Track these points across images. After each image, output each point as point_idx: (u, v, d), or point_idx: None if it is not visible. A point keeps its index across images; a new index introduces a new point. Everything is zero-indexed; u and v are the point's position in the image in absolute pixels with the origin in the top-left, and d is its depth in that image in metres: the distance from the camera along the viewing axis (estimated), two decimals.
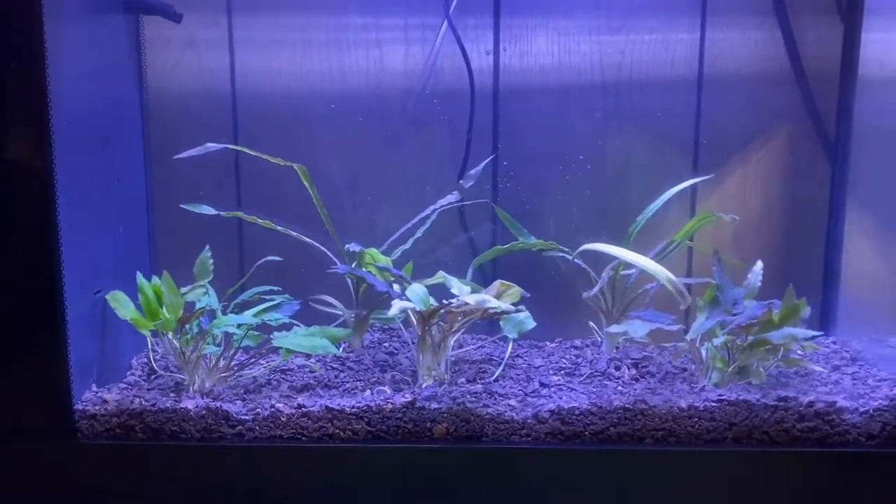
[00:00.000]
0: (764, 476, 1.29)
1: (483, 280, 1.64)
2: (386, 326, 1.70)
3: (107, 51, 1.53)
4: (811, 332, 1.36)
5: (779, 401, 1.31)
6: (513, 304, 1.40)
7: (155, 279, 1.43)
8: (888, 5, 1.57)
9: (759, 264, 1.47)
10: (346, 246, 1.51)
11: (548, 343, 1.69)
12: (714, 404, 1.31)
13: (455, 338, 1.49)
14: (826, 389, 1.39)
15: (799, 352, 1.46)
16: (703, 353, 1.43)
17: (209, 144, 1.44)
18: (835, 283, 1.67)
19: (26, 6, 1.21)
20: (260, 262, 1.56)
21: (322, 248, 1.58)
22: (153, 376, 1.49)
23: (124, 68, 1.62)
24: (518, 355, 1.60)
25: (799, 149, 1.72)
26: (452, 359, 1.52)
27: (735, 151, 1.75)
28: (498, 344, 1.66)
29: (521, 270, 1.67)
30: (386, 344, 1.63)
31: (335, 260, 1.58)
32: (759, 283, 1.44)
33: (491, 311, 1.37)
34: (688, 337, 1.41)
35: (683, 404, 1.32)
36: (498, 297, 1.41)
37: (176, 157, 1.43)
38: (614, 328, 1.44)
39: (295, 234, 1.56)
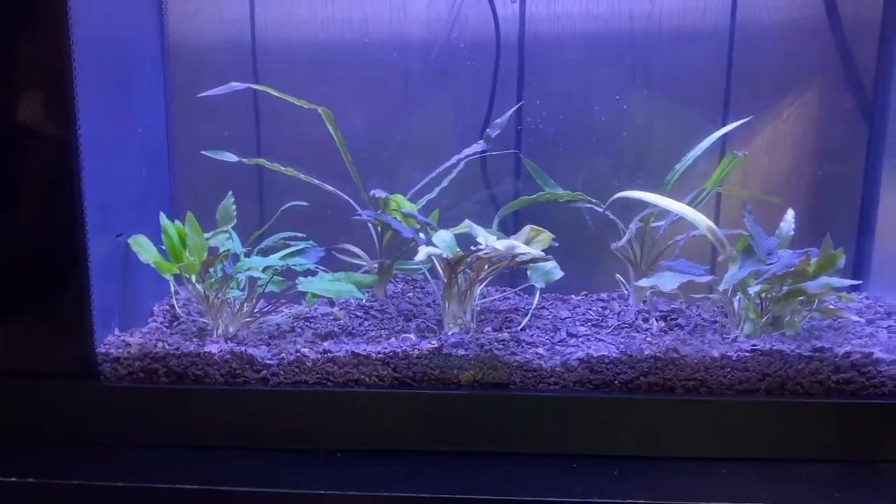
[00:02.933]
0: (795, 427, 1.27)
1: (506, 233, 1.61)
2: (409, 277, 1.68)
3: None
4: (848, 282, 1.32)
5: (814, 351, 1.28)
6: (542, 251, 1.37)
7: (177, 223, 1.40)
8: None
9: (791, 212, 1.44)
10: (371, 192, 1.48)
11: (573, 296, 1.66)
12: (747, 354, 1.29)
13: (481, 287, 1.46)
14: (861, 342, 1.36)
15: (833, 303, 1.42)
16: (735, 304, 1.40)
17: (233, 83, 1.41)
18: (869, 236, 1.63)
19: None
20: (285, 206, 1.54)
21: (344, 196, 1.55)
22: (175, 322, 1.47)
23: (146, 15, 1.59)
24: (543, 307, 1.57)
25: (834, 99, 1.67)
26: (477, 308, 1.49)
27: (769, 101, 1.70)
28: (522, 296, 1.64)
29: (543, 223, 1.64)
30: (410, 294, 1.61)
31: (357, 208, 1.55)
32: (792, 232, 1.41)
33: (520, 258, 1.35)
34: (720, 287, 1.38)
35: (716, 354, 1.29)
36: (528, 242, 1.38)
37: (199, 95, 1.40)
38: (644, 281, 1.41)
39: (317, 181, 1.53)
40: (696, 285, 1.41)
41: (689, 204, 1.50)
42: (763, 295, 1.36)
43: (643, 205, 1.49)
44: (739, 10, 1.66)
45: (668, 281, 1.35)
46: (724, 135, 1.64)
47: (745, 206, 1.42)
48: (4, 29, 1.23)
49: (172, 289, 1.49)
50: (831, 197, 1.69)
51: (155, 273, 1.41)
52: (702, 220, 1.34)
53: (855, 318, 1.41)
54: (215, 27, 1.70)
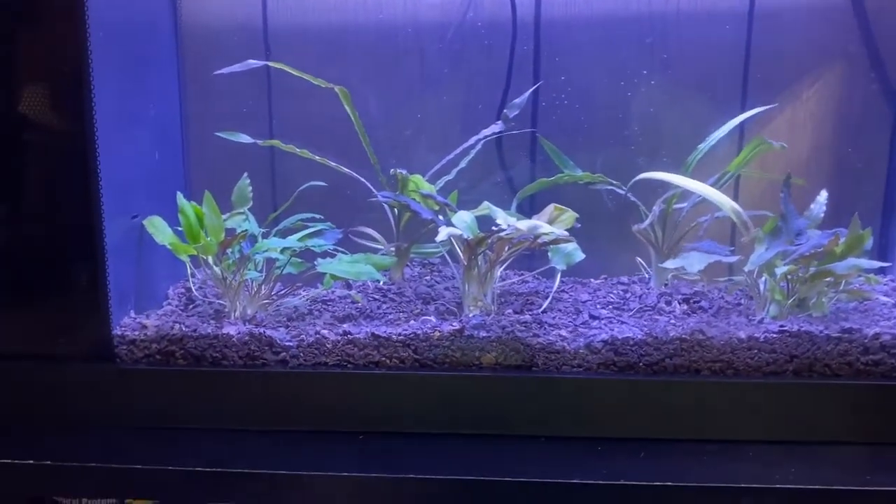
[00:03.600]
0: (823, 409, 1.25)
1: (524, 216, 1.59)
2: (426, 261, 1.66)
3: None
4: (878, 263, 1.30)
5: (843, 332, 1.26)
6: (566, 231, 1.35)
7: (193, 203, 1.38)
8: None
9: (824, 193, 1.41)
10: (392, 170, 1.46)
11: (592, 280, 1.64)
12: (775, 335, 1.26)
13: (501, 269, 1.44)
14: (889, 324, 1.33)
15: (859, 285, 1.40)
16: (761, 285, 1.38)
17: (250, 61, 1.39)
18: (894, 217, 1.61)
19: None
20: (303, 187, 1.51)
21: (360, 178, 1.53)
22: (191, 305, 1.45)
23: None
24: (563, 290, 1.55)
25: (857, 79, 1.64)
26: (497, 291, 1.47)
27: (789, 83, 1.67)
28: (540, 279, 1.61)
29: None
30: (427, 278, 1.59)
31: (373, 189, 1.53)
32: (823, 214, 1.38)
33: (542, 238, 1.32)
34: (746, 269, 1.36)
35: (743, 335, 1.27)
36: (551, 222, 1.36)
37: (216, 72, 1.38)
38: (670, 263, 1.38)
39: (334, 164, 1.51)
40: (718, 269, 1.39)
41: (713, 185, 1.47)
42: (789, 276, 1.33)
43: (663, 187, 1.47)
44: None
45: (695, 261, 1.32)
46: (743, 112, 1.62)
47: (786, 181, 1.39)
48: (21, 10, 1.21)
49: (188, 271, 1.47)
50: (855, 178, 1.66)
51: (170, 255, 1.39)
52: (726, 202, 1.32)
53: (884, 299, 1.38)
54: (227, 9, 1.68)
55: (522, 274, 1.64)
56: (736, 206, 1.28)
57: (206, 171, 1.67)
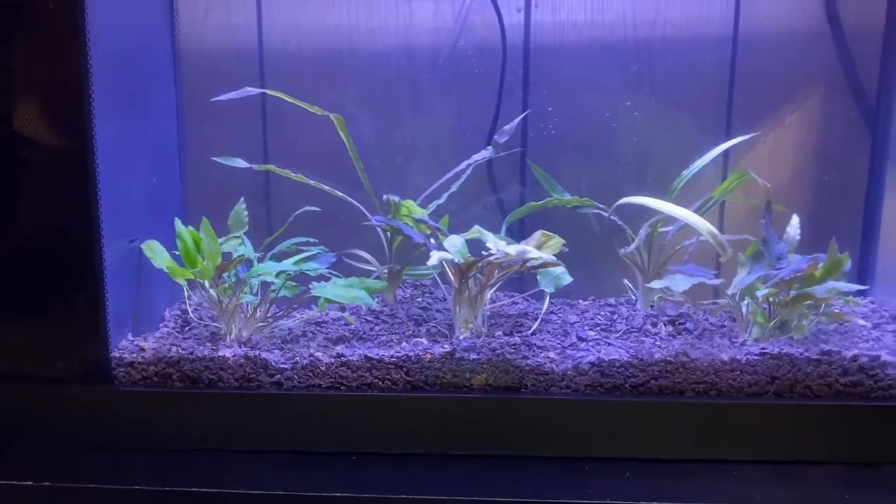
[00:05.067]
0: (806, 430, 1.28)
1: (514, 238, 1.63)
2: (418, 282, 1.69)
3: (141, 3, 1.52)
4: (855, 286, 1.34)
5: (822, 354, 1.30)
6: (553, 256, 1.38)
7: (190, 227, 1.41)
8: None
9: (796, 218, 1.46)
10: (385, 196, 1.49)
11: (581, 301, 1.68)
12: (756, 357, 1.30)
13: (492, 291, 1.47)
14: (868, 346, 1.38)
15: (839, 307, 1.44)
16: (744, 308, 1.42)
17: (247, 88, 1.42)
18: (873, 241, 1.65)
19: None
20: (298, 212, 1.55)
21: (354, 201, 1.56)
22: (187, 327, 1.48)
23: (158, 22, 1.60)
24: (552, 312, 1.58)
25: (837, 105, 1.69)
26: (487, 313, 1.50)
27: (771, 110, 1.72)
28: (530, 301, 1.65)
29: (549, 229, 1.65)
30: (419, 299, 1.62)
31: (367, 214, 1.56)
32: (798, 237, 1.43)
33: (531, 263, 1.36)
34: (729, 291, 1.40)
35: (725, 357, 1.31)
36: (538, 247, 1.40)
37: (213, 99, 1.41)
38: (656, 283, 1.42)
39: (328, 187, 1.54)
40: (702, 291, 1.42)
41: (696, 211, 1.52)
42: (771, 299, 1.37)
43: (650, 211, 1.51)
44: (742, 19, 1.68)
45: (679, 282, 1.36)
46: (727, 138, 1.67)
47: (766, 207, 1.43)
48: (22, 35, 1.24)
49: (185, 293, 1.50)
50: (835, 202, 1.71)
51: (166, 278, 1.42)
52: (703, 225, 1.36)
53: (861, 322, 1.42)
54: (224, 32, 1.71)
55: (513, 295, 1.68)
56: (713, 229, 1.32)
57: (203, 194, 1.70)
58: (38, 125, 1.26)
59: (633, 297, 1.64)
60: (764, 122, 1.72)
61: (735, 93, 1.71)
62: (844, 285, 1.34)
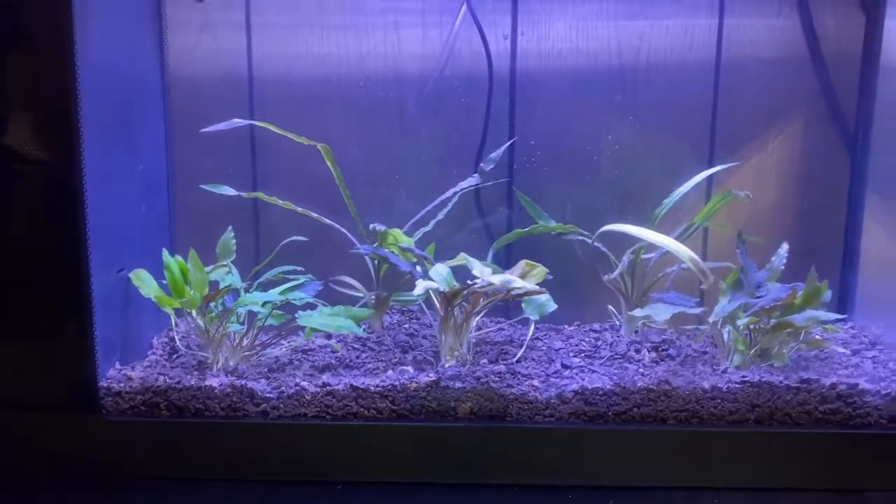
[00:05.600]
0: (784, 457, 1.30)
1: (500, 264, 1.64)
2: (405, 308, 1.70)
3: (131, 32, 1.53)
4: (834, 315, 1.36)
5: (801, 382, 1.32)
6: (537, 284, 1.40)
7: (178, 257, 1.43)
8: None
9: (785, 246, 1.48)
10: (371, 225, 1.51)
11: (566, 326, 1.69)
12: (737, 385, 1.32)
13: (477, 319, 1.49)
14: (847, 372, 1.40)
15: (819, 335, 1.46)
16: (725, 335, 1.44)
17: (235, 120, 1.44)
18: (853, 268, 1.68)
19: None
20: (284, 241, 1.56)
21: (342, 229, 1.58)
22: (175, 355, 1.49)
23: (147, 50, 1.62)
24: (537, 338, 1.60)
25: (818, 133, 1.72)
26: (473, 340, 1.52)
27: (753, 136, 1.75)
28: (516, 327, 1.66)
29: (536, 255, 1.67)
30: (406, 325, 1.64)
31: (354, 241, 1.58)
32: (783, 266, 1.45)
33: (515, 291, 1.38)
34: (710, 319, 1.42)
35: (706, 385, 1.33)
36: (523, 276, 1.42)
37: (202, 130, 1.43)
38: (637, 312, 1.44)
39: (315, 215, 1.56)
40: (686, 316, 1.44)
41: (679, 237, 1.54)
42: (752, 327, 1.39)
43: (634, 237, 1.53)
44: (724, 47, 1.71)
45: (661, 311, 1.38)
46: (711, 166, 1.69)
47: (738, 237, 1.46)
48: (10, 65, 1.25)
49: (173, 322, 1.51)
50: (816, 228, 1.73)
51: (154, 306, 1.43)
52: (684, 252, 1.38)
53: (840, 349, 1.44)
54: (213, 60, 1.73)
55: (500, 321, 1.69)
56: (694, 256, 1.35)
57: (191, 222, 1.71)
58: (27, 154, 1.27)
59: (618, 323, 1.65)
60: (746, 147, 1.75)
61: (718, 119, 1.74)
62: (823, 314, 1.36)
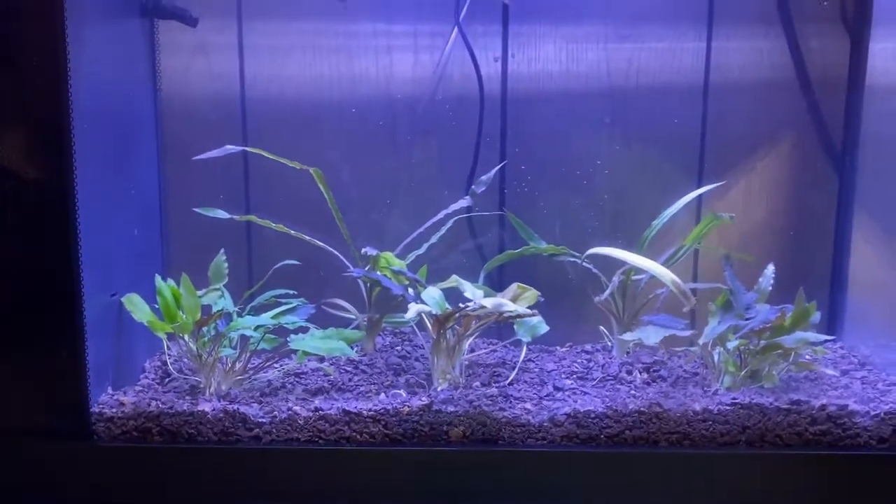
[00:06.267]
0: (777, 479, 1.31)
1: (492, 285, 1.65)
2: (397, 330, 1.71)
3: (124, 55, 1.54)
4: (823, 337, 1.38)
5: (791, 404, 1.33)
6: (528, 307, 1.41)
7: (170, 282, 1.43)
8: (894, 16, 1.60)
9: (771, 267, 1.50)
10: (363, 249, 1.52)
11: (558, 347, 1.70)
12: (728, 408, 1.33)
13: (469, 341, 1.49)
14: (836, 393, 1.41)
15: (808, 356, 1.47)
16: (716, 357, 1.45)
17: (228, 147, 1.45)
18: (842, 288, 1.69)
19: (50, 9, 1.21)
20: (277, 265, 1.56)
21: (334, 251, 1.59)
22: (167, 379, 1.49)
23: (140, 73, 1.63)
24: (529, 359, 1.61)
25: (805, 155, 1.74)
26: (466, 362, 1.53)
27: (741, 158, 1.76)
28: (509, 348, 1.67)
29: (528, 276, 1.68)
30: (398, 347, 1.64)
31: (347, 263, 1.59)
32: (771, 287, 1.46)
33: (507, 314, 1.38)
34: (700, 341, 1.43)
35: (697, 408, 1.33)
36: (514, 299, 1.43)
37: (195, 158, 1.44)
38: (628, 335, 1.46)
39: (308, 237, 1.57)
40: (677, 337, 1.45)
41: (668, 259, 1.55)
42: (742, 348, 1.40)
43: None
44: (713, 69, 1.73)
45: (651, 335, 1.39)
46: (699, 187, 1.71)
47: (725, 259, 1.47)
48: (3, 86, 1.25)
49: (165, 346, 1.51)
50: (804, 249, 1.75)
51: (146, 329, 1.43)
52: (667, 275, 1.39)
53: (830, 371, 1.46)
54: (205, 82, 1.74)
55: (494, 343, 1.70)
56: (676, 279, 1.36)
57: (184, 245, 1.71)
58: (20, 176, 1.27)
59: (609, 344, 1.66)
60: (735, 169, 1.77)
61: (707, 140, 1.75)
62: (812, 335, 1.38)
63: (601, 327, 1.68)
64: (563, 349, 1.69)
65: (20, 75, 1.24)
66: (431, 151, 1.76)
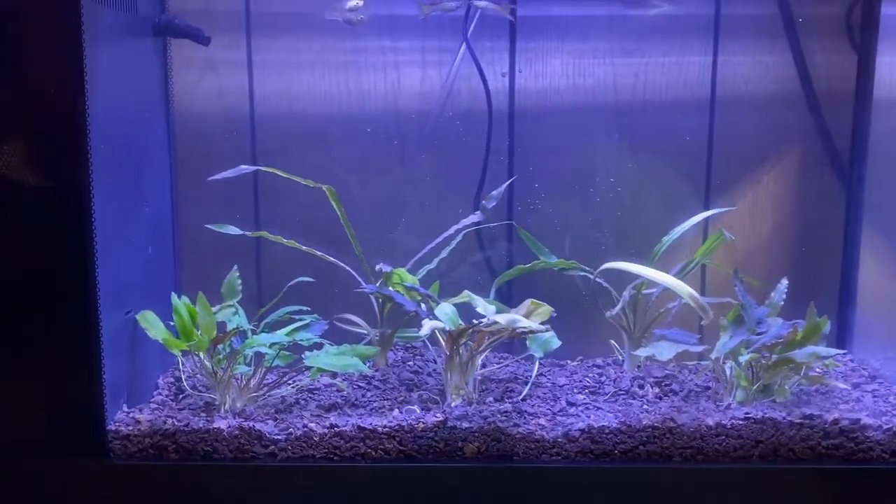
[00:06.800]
0: (789, 493, 1.32)
1: (501, 299, 1.66)
2: (409, 345, 1.72)
3: (139, 74, 1.55)
4: (834, 350, 1.39)
5: (804, 418, 1.33)
6: (541, 323, 1.42)
7: (185, 299, 1.44)
8: None
9: (784, 282, 1.51)
10: (377, 266, 1.53)
11: (569, 361, 1.71)
12: (741, 422, 1.34)
13: (482, 357, 1.50)
14: (848, 407, 1.41)
15: (819, 369, 1.48)
16: (728, 371, 1.45)
17: (242, 167, 1.46)
18: (851, 301, 1.70)
19: (68, 29, 1.23)
20: (292, 282, 1.57)
21: (347, 267, 1.59)
22: (181, 396, 1.50)
23: (154, 91, 1.64)
24: (541, 374, 1.61)
25: (813, 169, 1.75)
26: (478, 378, 1.53)
27: (749, 172, 1.78)
28: (520, 362, 1.68)
29: (538, 290, 1.69)
30: (410, 363, 1.65)
31: (359, 280, 1.59)
32: (783, 301, 1.47)
33: (520, 330, 1.39)
34: (713, 356, 1.43)
35: (711, 422, 1.34)
36: (528, 315, 1.43)
37: (209, 178, 1.45)
38: (642, 351, 1.47)
39: (320, 253, 1.58)
40: (688, 350, 1.46)
41: (678, 274, 1.56)
42: (754, 363, 1.41)
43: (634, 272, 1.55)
44: (719, 83, 1.75)
45: (664, 350, 1.40)
46: (707, 201, 1.72)
47: (735, 274, 1.48)
48: (23, 111, 1.26)
49: (180, 363, 1.52)
50: (814, 263, 1.76)
51: (159, 345, 1.43)
52: (683, 289, 1.40)
53: (842, 385, 1.46)
54: (215, 99, 1.75)
55: (506, 357, 1.70)
56: (693, 292, 1.37)
57: (196, 263, 1.72)
58: (36, 196, 1.28)
59: (621, 358, 1.67)
60: (742, 182, 1.78)
61: (714, 154, 1.76)
62: (824, 350, 1.39)
63: (612, 341, 1.69)
64: (574, 363, 1.70)
65: (39, 94, 1.25)
66: (440, 166, 1.77)
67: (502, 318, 1.36)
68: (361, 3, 1.53)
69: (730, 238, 1.53)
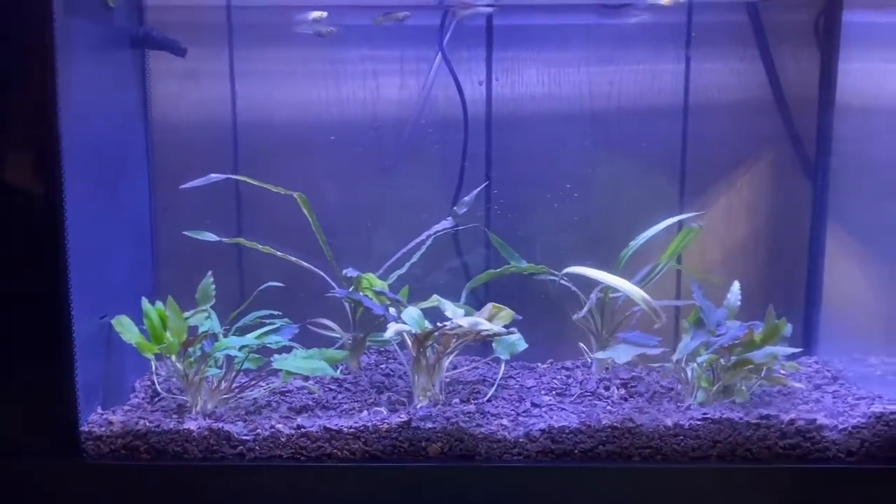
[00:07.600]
0: (747, 492, 1.34)
1: (476, 303, 1.69)
2: (382, 348, 1.75)
3: (115, 83, 1.59)
4: (791, 350, 1.41)
5: (761, 419, 1.36)
6: (504, 326, 1.45)
7: (158, 304, 1.48)
8: (863, 35, 1.63)
9: (737, 284, 1.54)
10: (344, 271, 1.56)
11: (539, 364, 1.73)
12: (699, 423, 1.36)
13: (449, 359, 1.53)
14: (807, 407, 1.44)
15: (782, 371, 1.50)
16: (689, 373, 1.48)
17: (212, 175, 1.50)
18: (817, 303, 1.73)
19: (40, 39, 1.27)
20: (261, 287, 1.61)
21: (320, 272, 1.63)
22: (156, 398, 1.53)
23: (131, 100, 1.68)
24: (511, 376, 1.64)
25: (781, 173, 1.78)
26: (447, 380, 1.56)
27: (720, 176, 1.80)
28: (491, 365, 1.70)
29: (512, 294, 1.72)
30: (382, 366, 1.68)
31: (333, 284, 1.63)
32: (739, 303, 1.50)
33: (483, 333, 1.42)
34: (673, 358, 1.46)
35: (669, 423, 1.36)
36: (490, 319, 1.46)
37: (182, 186, 1.49)
38: (601, 354, 1.49)
39: (294, 259, 1.61)
40: (655, 352, 1.49)
41: (644, 277, 1.59)
42: (713, 364, 1.44)
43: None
44: (692, 91, 1.77)
45: (622, 353, 1.43)
46: (682, 206, 1.75)
47: (692, 283, 1.51)
48: None
49: (153, 366, 1.55)
50: (780, 265, 1.78)
51: (136, 350, 1.47)
52: (637, 293, 1.43)
53: (798, 385, 1.49)
54: (197, 108, 1.79)
55: (475, 360, 1.73)
56: (646, 295, 1.40)
57: (174, 269, 1.76)
58: (9, 199, 1.31)
59: (589, 360, 1.70)
60: (716, 187, 1.80)
61: (687, 159, 1.79)
62: (782, 350, 1.41)
63: (581, 344, 1.71)
64: (545, 366, 1.72)
65: (9, 101, 1.29)
66: (417, 174, 1.80)
67: (465, 321, 1.39)
68: (325, 15, 1.56)
69: (698, 227, 1.55)
